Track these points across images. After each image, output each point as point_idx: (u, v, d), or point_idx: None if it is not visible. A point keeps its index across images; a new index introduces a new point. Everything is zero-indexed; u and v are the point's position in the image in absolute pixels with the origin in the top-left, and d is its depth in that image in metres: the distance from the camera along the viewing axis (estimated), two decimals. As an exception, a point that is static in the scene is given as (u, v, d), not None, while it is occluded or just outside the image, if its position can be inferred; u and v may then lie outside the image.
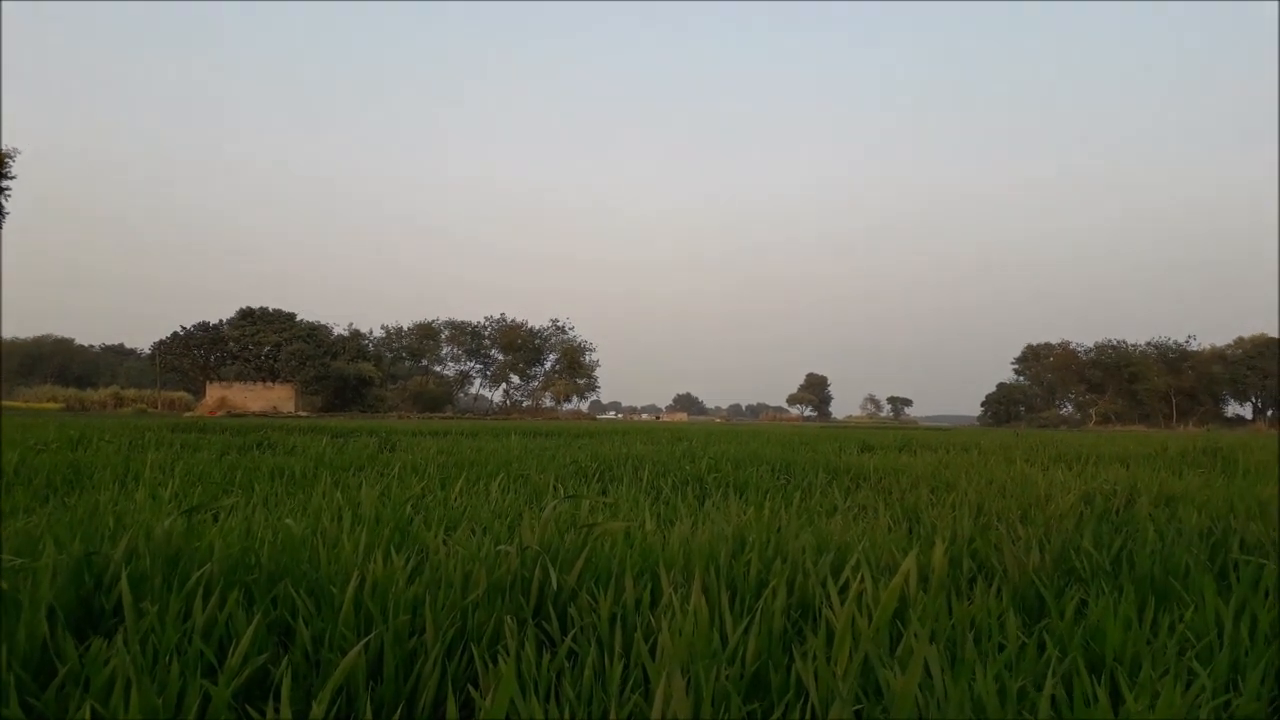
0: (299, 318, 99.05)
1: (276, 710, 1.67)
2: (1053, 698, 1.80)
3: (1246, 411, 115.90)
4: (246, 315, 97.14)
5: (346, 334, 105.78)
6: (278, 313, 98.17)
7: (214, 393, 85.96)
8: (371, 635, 2.02)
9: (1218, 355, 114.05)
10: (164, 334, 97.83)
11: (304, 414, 72.17)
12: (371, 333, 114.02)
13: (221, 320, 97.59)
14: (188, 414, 60.00)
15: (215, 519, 3.60)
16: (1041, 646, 2.26)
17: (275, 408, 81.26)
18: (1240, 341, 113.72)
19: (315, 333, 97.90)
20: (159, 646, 1.93)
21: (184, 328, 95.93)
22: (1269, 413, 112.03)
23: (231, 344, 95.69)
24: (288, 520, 3.19)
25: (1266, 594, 2.71)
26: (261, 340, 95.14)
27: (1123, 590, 2.73)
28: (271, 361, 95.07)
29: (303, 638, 2.06)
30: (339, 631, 2.09)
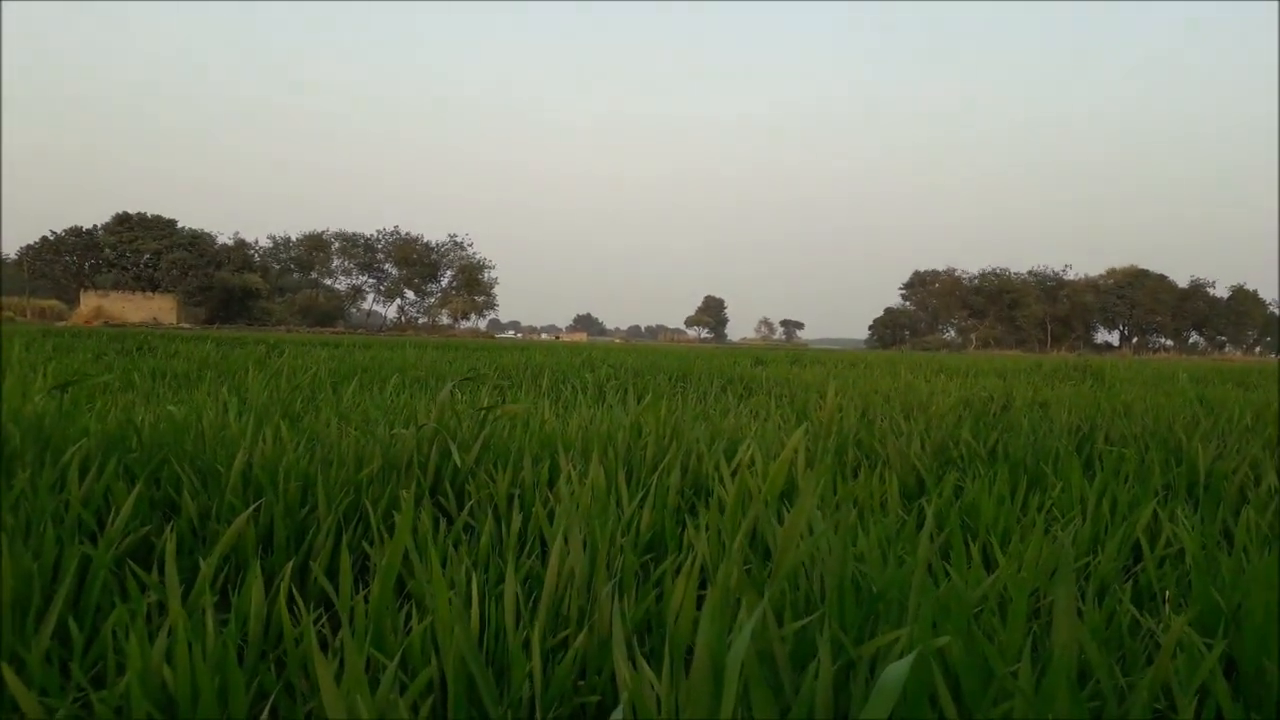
0: (180, 225, 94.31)
1: (162, 578, 1.63)
2: (929, 565, 1.89)
3: (1114, 339, 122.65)
4: (123, 221, 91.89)
5: (231, 243, 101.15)
6: (157, 219, 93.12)
7: (89, 301, 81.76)
8: (260, 502, 1.97)
9: (1091, 285, 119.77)
10: (32, 239, 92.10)
11: (186, 326, 69.31)
12: (258, 243, 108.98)
13: (96, 225, 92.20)
14: (61, 323, 56.95)
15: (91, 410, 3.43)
16: (921, 523, 2.37)
17: (156, 319, 77.87)
18: (1112, 272, 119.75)
19: (197, 241, 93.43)
20: (32, 515, 1.84)
21: (54, 232, 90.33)
22: (1134, 340, 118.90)
23: (108, 250, 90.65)
24: (170, 407, 3.08)
25: (1126, 478, 2.91)
26: (140, 248, 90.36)
27: (997, 474, 2.88)
28: (151, 270, 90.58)
29: (188, 510, 2.00)
30: (227, 502, 2.04)
